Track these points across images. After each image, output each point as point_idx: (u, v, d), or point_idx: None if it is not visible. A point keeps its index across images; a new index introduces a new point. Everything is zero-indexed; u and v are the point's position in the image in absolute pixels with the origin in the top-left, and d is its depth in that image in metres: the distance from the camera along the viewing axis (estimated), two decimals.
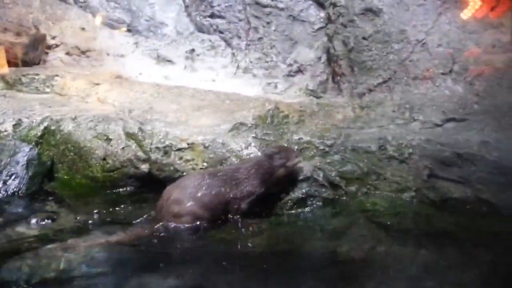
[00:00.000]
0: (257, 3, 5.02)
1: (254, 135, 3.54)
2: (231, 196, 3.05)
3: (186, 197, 2.99)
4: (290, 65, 4.96)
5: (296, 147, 3.48)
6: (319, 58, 4.84)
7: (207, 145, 3.43)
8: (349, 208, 3.31)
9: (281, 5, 4.97)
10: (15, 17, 5.18)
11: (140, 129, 3.53)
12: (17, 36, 4.75)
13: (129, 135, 3.53)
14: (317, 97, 4.56)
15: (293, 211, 3.28)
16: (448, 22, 3.89)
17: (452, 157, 3.27)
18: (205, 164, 3.40)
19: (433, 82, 3.80)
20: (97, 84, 4.30)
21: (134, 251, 2.90)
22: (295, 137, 3.60)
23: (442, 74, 3.81)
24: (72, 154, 3.61)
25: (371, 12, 4.10)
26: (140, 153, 3.47)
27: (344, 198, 3.35)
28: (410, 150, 3.39)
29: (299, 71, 4.91)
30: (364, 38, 4.13)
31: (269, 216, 3.23)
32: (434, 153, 3.33)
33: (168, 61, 5.18)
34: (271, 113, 3.75)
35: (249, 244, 2.94)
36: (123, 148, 3.50)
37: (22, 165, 3.44)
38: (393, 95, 3.90)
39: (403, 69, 3.95)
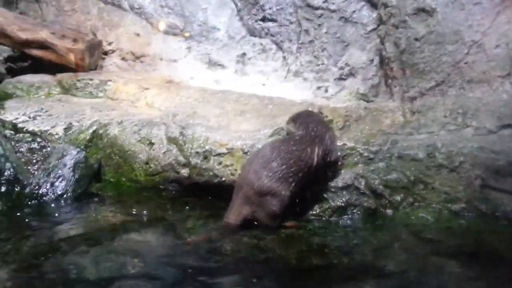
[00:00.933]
0: (309, 6, 4.91)
1: None
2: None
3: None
4: (341, 68, 4.81)
5: (339, 153, 3.35)
6: (372, 61, 4.66)
7: (246, 150, 3.38)
8: (392, 220, 3.15)
9: (332, 7, 4.84)
10: (74, 24, 5.40)
11: (181, 134, 3.54)
12: (74, 42, 4.94)
13: (171, 140, 3.56)
14: (368, 101, 4.39)
15: (332, 219, 3.16)
16: (507, 22, 3.59)
17: (507, 167, 3.02)
18: None
19: (489, 85, 3.53)
20: (147, 88, 4.39)
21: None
22: (338, 143, 3.47)
23: (500, 77, 3.53)
24: (117, 157, 3.69)
25: (423, 12, 3.89)
26: (181, 158, 3.49)
27: (387, 208, 3.19)
28: (461, 158, 3.17)
29: (351, 74, 4.75)
30: (416, 39, 3.92)
31: (307, 222, 3.14)
32: (487, 162, 3.10)
33: (220, 65, 5.19)
34: None
35: (284, 252, 2.87)
36: (164, 152, 3.54)
37: (69, 168, 3.55)
38: (445, 99, 3.66)
39: (457, 72, 3.70)
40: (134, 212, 3.53)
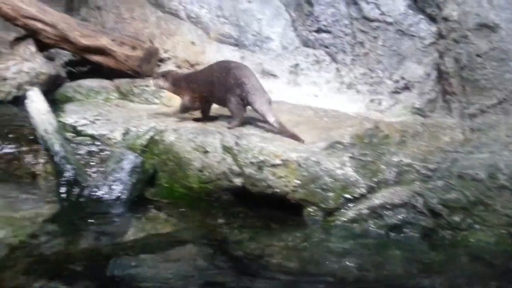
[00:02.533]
0: (365, 18, 4.87)
1: (350, 154, 3.42)
2: None
3: None
4: (396, 81, 4.74)
5: (395, 169, 3.30)
6: (428, 75, 4.57)
7: (300, 162, 3.37)
8: (450, 240, 3.06)
9: (389, 20, 4.78)
10: (132, 31, 5.55)
11: (236, 143, 3.57)
12: (132, 49, 5.08)
13: (226, 149, 3.59)
14: (424, 116, 4.31)
15: (388, 236, 3.11)
16: None
17: None
18: (297, 181, 3.35)
19: None
20: None
21: None
22: (395, 159, 3.42)
23: None
24: (172, 163, 3.76)
25: (486, 27, 3.79)
26: (235, 167, 3.51)
27: (445, 229, 3.11)
28: None
29: (406, 88, 4.67)
30: (478, 55, 3.82)
31: (363, 237, 3.10)
32: None
33: (272, 75, 5.21)
34: (369, 132, 3.61)
35: (336, 265, 2.84)
36: (219, 161, 3.57)
37: (127, 172, 3.64)
38: (508, 117, 3.55)
39: None
40: (186, 219, 3.59)
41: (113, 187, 3.61)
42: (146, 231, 3.43)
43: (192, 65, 5.40)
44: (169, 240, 3.36)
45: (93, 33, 5.07)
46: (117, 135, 3.98)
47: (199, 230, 3.43)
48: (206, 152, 3.62)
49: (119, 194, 3.61)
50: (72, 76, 5.37)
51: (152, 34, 5.51)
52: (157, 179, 3.82)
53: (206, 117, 4.07)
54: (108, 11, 5.63)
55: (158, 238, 3.36)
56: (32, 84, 4.91)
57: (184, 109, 4.07)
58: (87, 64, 5.46)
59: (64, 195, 3.62)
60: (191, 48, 5.43)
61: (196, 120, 4.06)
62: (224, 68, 3.90)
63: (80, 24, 5.15)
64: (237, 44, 5.38)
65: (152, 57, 5.19)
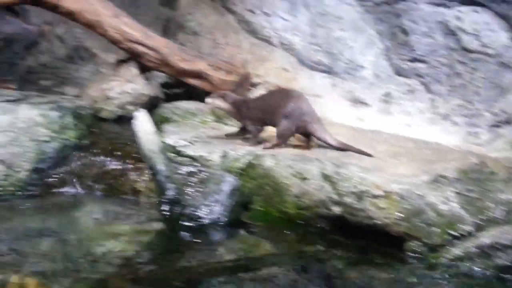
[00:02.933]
0: (464, 49, 4.78)
1: (455, 189, 3.34)
2: None
3: None
4: (496, 114, 4.60)
5: (503, 208, 3.19)
6: None
7: (403, 195, 3.33)
8: None
9: (490, 51, 4.67)
10: (226, 56, 5.74)
11: (336, 172, 3.58)
12: (228, 74, 5.26)
13: (325, 177, 3.61)
14: None
15: (496, 279, 3.00)
16: None
17: None
18: (399, 214, 3.31)
19: None
20: None
21: None
22: (502, 196, 3.30)
23: None
24: (269, 188, 3.82)
25: None
26: (334, 195, 3.52)
27: None
28: None
29: (507, 122, 4.52)
30: None
31: (470, 278, 3.01)
32: None
33: (363, 103, 5.21)
34: (475, 168, 3.51)
35: None
36: (317, 188, 3.59)
37: (226, 194, 3.74)
38: None
39: None
40: (282, 243, 3.64)
41: (213, 208, 3.72)
42: (243, 253, 3.50)
43: None
44: (265, 263, 3.40)
45: (191, 58, 5.30)
46: (215, 157, 4.09)
47: (296, 255, 3.47)
48: (304, 178, 3.66)
49: (219, 216, 3.71)
50: (167, 98, 5.62)
51: (245, 59, 5.67)
52: (253, 202, 3.90)
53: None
54: (204, 36, 5.87)
55: (255, 260, 3.42)
56: (134, 104, 5.19)
57: (253, 135, 4.28)
58: (181, 86, 5.70)
59: (166, 213, 3.76)
60: (283, 74, 5.54)
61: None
62: (284, 95, 4.16)
63: (180, 49, 5.39)
64: (329, 71, 5.43)
65: (245, 82, 5.34)
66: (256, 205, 3.88)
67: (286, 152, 3.95)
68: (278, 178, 3.77)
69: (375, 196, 3.39)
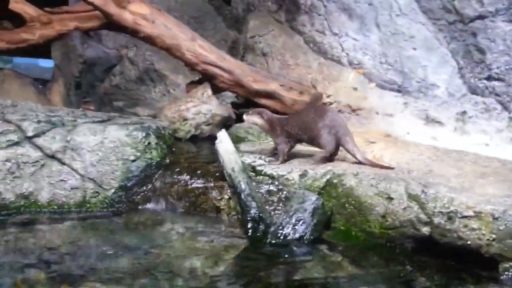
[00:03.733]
0: None
1: None
2: None
3: None
4: None
5: None
6: None
7: (496, 216, 3.26)
8: None
9: None
10: (296, 77, 5.84)
11: (423, 192, 3.55)
12: (300, 94, 5.34)
13: (412, 197, 3.58)
14: None
15: None
16: None
17: None
18: (492, 235, 3.25)
19: None
20: (373, 142, 4.51)
21: None
22: None
23: None
24: (351, 207, 3.82)
25: None
26: (422, 216, 3.49)
27: None
28: None
29: None
30: None
31: None
32: None
33: (437, 122, 5.17)
34: None
35: None
36: (404, 208, 3.57)
37: (309, 213, 3.77)
38: None
39: None
40: (367, 263, 3.62)
41: (296, 227, 3.75)
42: (328, 272, 3.49)
43: (353, 110, 5.53)
44: (351, 283, 3.39)
45: (264, 79, 5.42)
46: (295, 176, 4.13)
47: (382, 275, 3.43)
48: (390, 198, 3.64)
49: (302, 234, 3.74)
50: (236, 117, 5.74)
51: (315, 79, 5.75)
52: (334, 221, 3.91)
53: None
54: (274, 58, 5.99)
55: (340, 280, 3.41)
56: (208, 124, 5.34)
57: (282, 153, 4.33)
58: (249, 105, 5.82)
59: (249, 231, 3.82)
60: (353, 94, 5.57)
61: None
62: (320, 111, 4.29)
63: (252, 70, 5.53)
64: (400, 90, 5.43)
65: (317, 102, 5.40)
66: (337, 224, 3.88)
67: (367, 171, 3.95)
68: (361, 198, 3.77)
69: (466, 217, 3.33)
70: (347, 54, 5.66)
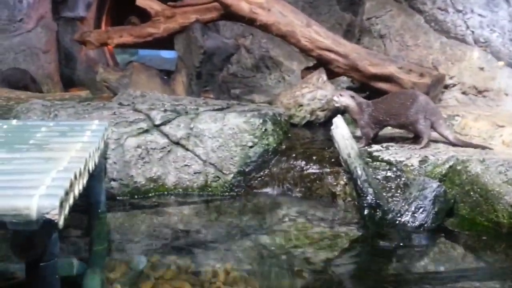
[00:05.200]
0: None
1: None
2: None
3: None
4: None
5: None
6: None
7: None
8: None
9: None
10: (416, 58, 5.59)
11: None
12: (420, 76, 5.09)
13: None
14: None
15: None
16: None
17: None
18: None
19: None
20: (501, 126, 4.19)
21: None
22: None
23: None
24: (476, 195, 3.61)
25: None
26: None
27: None
28: None
29: None
30: None
31: None
32: None
33: None
34: None
35: None
36: None
37: (430, 200, 3.63)
38: None
39: None
40: (493, 255, 3.40)
41: (416, 215, 3.63)
42: (451, 263, 3.34)
43: (479, 92, 5.19)
44: (477, 275, 3.20)
45: (381, 62, 5.26)
46: (414, 162, 3.99)
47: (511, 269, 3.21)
48: None
49: (422, 222, 3.61)
50: None
51: (436, 60, 5.47)
52: (457, 209, 3.72)
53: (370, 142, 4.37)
54: (392, 39, 5.79)
55: (464, 273, 3.24)
56: (323, 110, 5.33)
57: (367, 137, 4.35)
58: (365, 90, 5.68)
59: (366, 218, 3.77)
60: (479, 74, 5.21)
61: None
62: (410, 96, 4.18)
63: (369, 53, 5.39)
64: None
65: (439, 84, 5.13)
66: (461, 212, 3.69)
67: (494, 158, 3.69)
68: (488, 186, 3.54)
69: None
70: (472, 32, 5.30)
